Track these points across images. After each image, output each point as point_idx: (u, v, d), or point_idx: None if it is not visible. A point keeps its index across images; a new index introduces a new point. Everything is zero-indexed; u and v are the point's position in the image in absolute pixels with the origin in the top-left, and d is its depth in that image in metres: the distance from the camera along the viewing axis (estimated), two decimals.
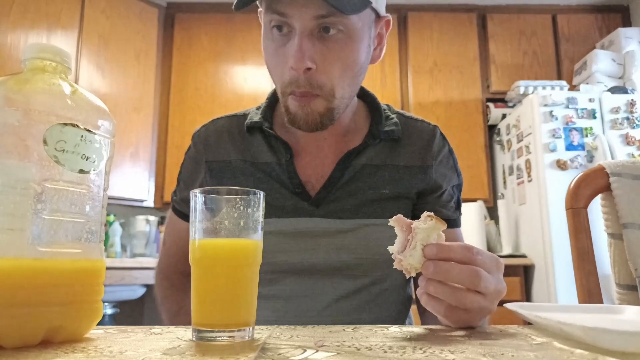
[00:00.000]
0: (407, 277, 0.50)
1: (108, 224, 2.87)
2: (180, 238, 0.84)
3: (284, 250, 0.74)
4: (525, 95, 2.86)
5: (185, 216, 0.83)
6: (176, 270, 0.86)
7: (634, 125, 2.49)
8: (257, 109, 0.84)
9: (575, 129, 2.52)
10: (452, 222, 0.81)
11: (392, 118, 0.82)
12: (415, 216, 0.75)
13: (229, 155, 0.80)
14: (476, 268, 0.48)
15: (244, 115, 0.84)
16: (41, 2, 2.64)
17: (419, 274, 0.51)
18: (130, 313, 2.92)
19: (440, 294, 0.48)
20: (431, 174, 0.79)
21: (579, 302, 0.81)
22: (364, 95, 0.84)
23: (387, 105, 0.86)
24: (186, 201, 0.82)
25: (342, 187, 0.76)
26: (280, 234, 0.75)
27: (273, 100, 0.84)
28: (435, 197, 0.81)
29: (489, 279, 0.48)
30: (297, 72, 0.66)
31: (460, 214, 0.84)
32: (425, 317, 0.80)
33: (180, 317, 0.82)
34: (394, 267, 0.50)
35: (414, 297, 0.84)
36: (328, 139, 0.79)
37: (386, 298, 0.77)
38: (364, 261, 0.74)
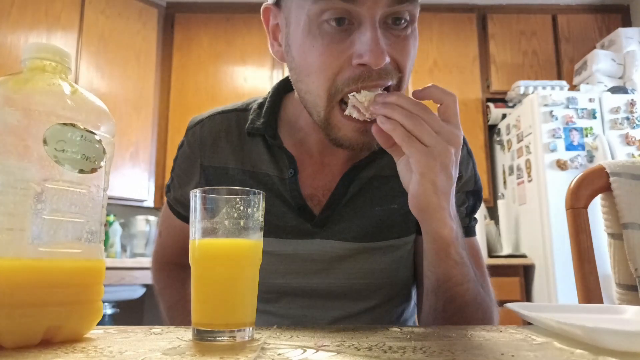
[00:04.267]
0: (368, 119, 0.54)
1: (108, 224, 2.87)
2: (174, 232, 0.82)
3: (281, 272, 0.71)
4: (525, 95, 2.85)
5: (179, 214, 0.79)
6: (172, 261, 0.84)
7: (634, 125, 2.49)
8: (259, 107, 0.75)
9: (575, 129, 2.52)
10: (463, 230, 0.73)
11: None
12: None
13: (227, 162, 0.74)
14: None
15: (244, 111, 0.76)
16: (41, 2, 2.64)
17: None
18: (130, 313, 2.92)
19: (395, 115, 0.50)
20: None
21: (579, 302, 0.81)
22: None
23: None
24: (180, 201, 0.79)
25: (347, 205, 0.71)
26: (279, 256, 0.70)
27: (277, 100, 0.75)
28: None
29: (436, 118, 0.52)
30: (369, 69, 0.56)
31: (472, 220, 0.75)
32: (423, 317, 0.79)
33: (179, 309, 0.80)
34: (354, 116, 0.56)
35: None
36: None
37: (388, 320, 0.75)
38: (366, 286, 0.71)
